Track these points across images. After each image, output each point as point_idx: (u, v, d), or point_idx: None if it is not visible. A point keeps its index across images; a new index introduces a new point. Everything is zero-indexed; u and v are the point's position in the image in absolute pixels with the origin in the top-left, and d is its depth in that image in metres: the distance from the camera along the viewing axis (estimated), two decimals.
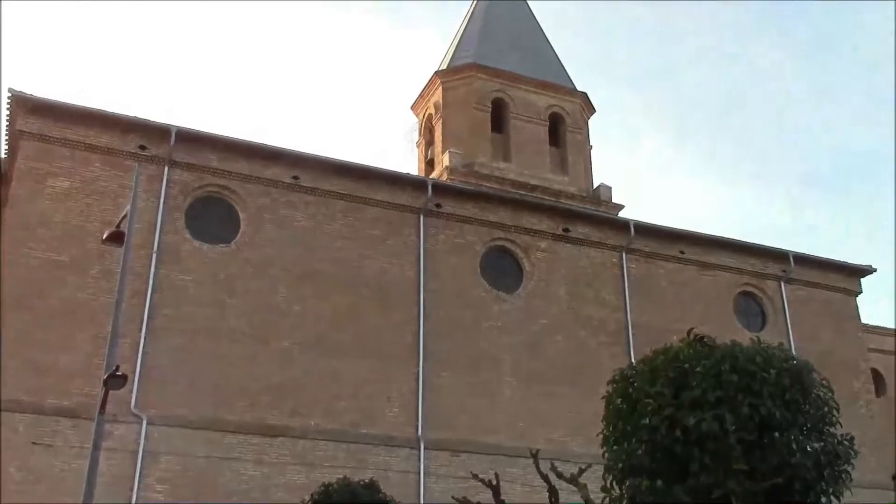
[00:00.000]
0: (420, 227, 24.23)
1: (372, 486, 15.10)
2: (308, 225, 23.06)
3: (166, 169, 21.89)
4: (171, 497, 19.27)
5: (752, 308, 28.49)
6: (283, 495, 19.66)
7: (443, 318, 23.57)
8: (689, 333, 8.72)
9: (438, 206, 24.65)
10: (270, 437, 20.60)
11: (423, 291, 23.51)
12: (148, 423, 19.56)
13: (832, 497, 8.43)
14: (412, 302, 23.35)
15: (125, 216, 16.08)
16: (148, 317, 20.45)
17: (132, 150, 21.66)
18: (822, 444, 8.29)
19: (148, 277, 20.75)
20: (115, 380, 14.02)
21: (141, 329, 20.23)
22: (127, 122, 21.90)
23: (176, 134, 21.93)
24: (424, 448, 21.90)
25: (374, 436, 21.60)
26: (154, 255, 21.00)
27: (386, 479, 19.38)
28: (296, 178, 23.18)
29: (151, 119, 22.19)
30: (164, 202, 21.61)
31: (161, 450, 19.55)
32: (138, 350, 20.02)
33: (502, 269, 25.39)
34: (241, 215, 22.62)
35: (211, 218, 22.33)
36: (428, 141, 33.62)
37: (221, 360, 20.83)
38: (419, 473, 21.53)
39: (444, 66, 33.74)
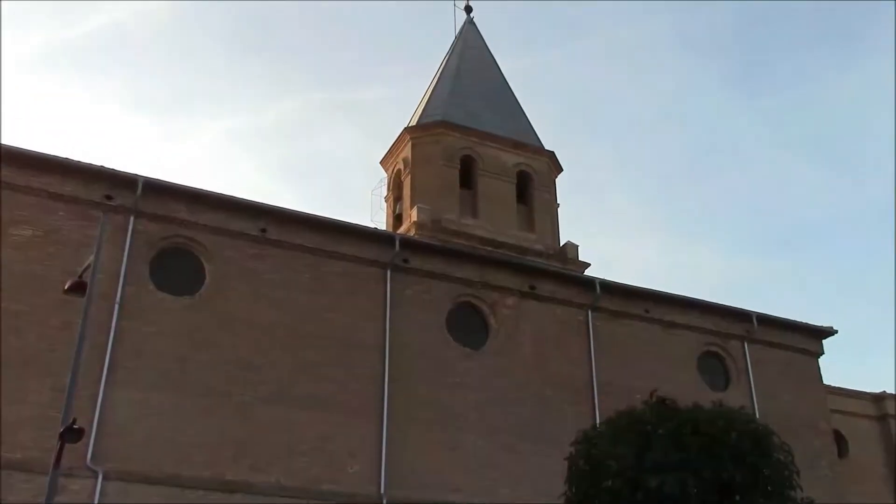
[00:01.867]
0: (387, 281, 24.18)
1: None
2: (274, 278, 22.93)
3: (132, 219, 21.71)
4: None
5: (715, 367, 28.64)
6: None
7: (408, 374, 23.42)
8: (651, 395, 8.75)
9: (406, 261, 24.66)
10: (229, 493, 20.17)
11: (389, 346, 23.38)
12: (104, 478, 19.08)
13: None
14: (377, 357, 23.20)
15: (88, 266, 15.93)
16: (108, 369, 20.08)
17: (97, 200, 21.47)
18: None
19: (109, 328, 20.43)
20: (72, 433, 13.75)
21: (100, 381, 19.85)
22: (92, 171, 21.76)
23: (143, 184, 21.81)
24: None
25: (335, 493, 21.24)
26: (116, 306, 20.71)
27: None
28: (263, 230, 23.11)
29: (118, 168, 22.09)
30: (129, 253, 21.39)
31: None
32: (96, 403, 19.61)
33: (469, 325, 25.36)
34: (207, 267, 22.45)
35: (176, 269, 22.13)
36: (396, 196, 33.79)
37: (181, 414, 20.48)
38: None
39: (413, 123, 34.07)
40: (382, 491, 21.71)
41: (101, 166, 21.92)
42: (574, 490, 8.68)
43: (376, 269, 24.26)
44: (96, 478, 19.01)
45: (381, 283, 24.12)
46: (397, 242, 24.78)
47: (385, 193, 34.54)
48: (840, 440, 32.38)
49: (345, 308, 23.44)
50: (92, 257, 15.98)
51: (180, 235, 22.41)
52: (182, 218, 22.38)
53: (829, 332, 30.41)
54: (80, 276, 15.87)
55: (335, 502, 21.07)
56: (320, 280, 23.48)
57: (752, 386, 28.14)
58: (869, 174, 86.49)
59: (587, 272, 30.65)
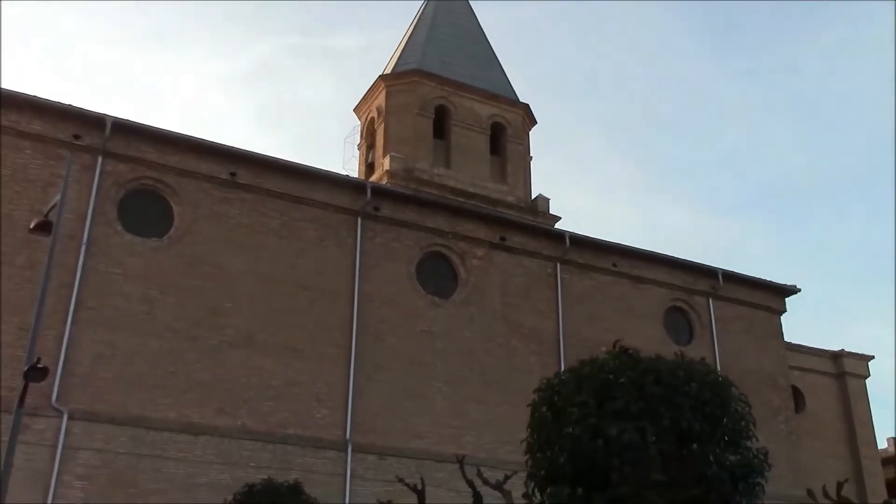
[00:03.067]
0: (357, 229, 24.15)
1: (296, 487, 15.01)
2: (243, 222, 22.81)
3: (100, 159, 21.44)
4: (89, 494, 18.84)
5: (680, 322, 29.05)
6: (205, 495, 19.38)
7: (376, 322, 23.54)
8: (614, 345, 8.87)
9: (377, 209, 24.61)
10: (195, 435, 20.29)
11: (358, 294, 23.44)
12: (69, 418, 19.10)
13: None
14: (346, 304, 23.26)
15: (54, 205, 15.73)
16: (74, 309, 19.98)
17: (65, 139, 21.17)
18: (739, 457, 8.48)
19: (76, 269, 20.28)
20: (36, 372, 13.69)
21: (66, 322, 19.77)
22: (61, 110, 21.39)
23: (111, 124, 21.49)
24: (352, 451, 21.81)
25: (301, 437, 21.45)
26: (83, 247, 20.54)
27: (311, 481, 19.30)
28: (233, 174, 22.92)
29: (86, 108, 21.74)
30: (97, 193, 21.15)
31: (81, 445, 19.12)
32: (62, 343, 19.55)
33: (438, 274, 25.46)
34: (175, 210, 22.27)
35: (144, 211, 21.94)
36: (369, 144, 33.58)
37: (147, 356, 20.47)
38: (345, 476, 21.42)
39: (388, 71, 33.72)
40: (348, 436, 21.93)
41: (69, 105, 21.55)
42: (535, 436, 8.80)
43: (347, 216, 24.20)
44: (61, 417, 19.03)
45: (352, 231, 24.10)
46: (369, 190, 24.70)
47: (358, 141, 34.30)
48: (798, 396, 33.04)
49: (314, 255, 23.42)
50: (58, 197, 15.77)
51: (149, 177, 22.17)
52: (151, 159, 22.12)
53: (792, 290, 30.89)
54: (46, 216, 15.67)
55: (301, 446, 21.27)
56: (290, 226, 23.39)
57: (716, 341, 28.61)
58: (843, 138, 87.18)
59: (557, 225, 30.78)
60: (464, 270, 25.68)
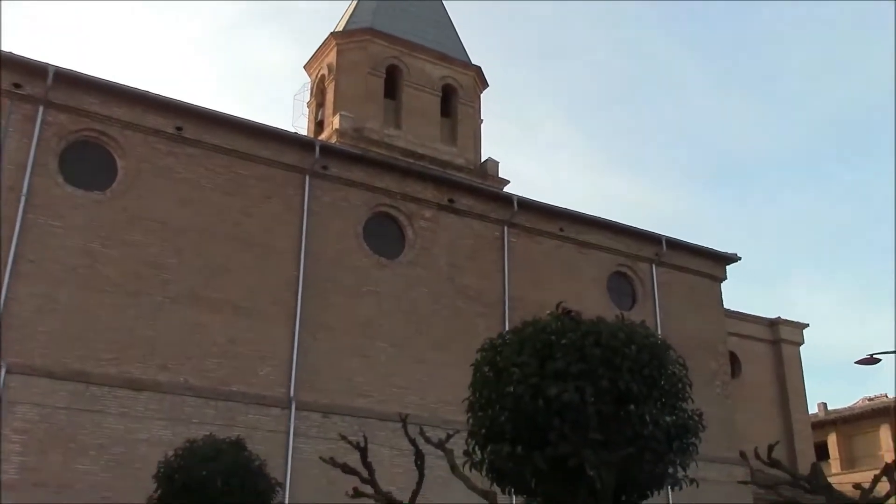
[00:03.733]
0: (305, 187, 23.99)
1: (238, 443, 14.98)
2: (189, 178, 22.50)
3: (41, 109, 20.91)
4: (28, 448, 18.65)
5: (624, 287, 29.51)
6: (146, 450, 19.29)
7: (322, 281, 23.50)
8: (557, 307, 8.98)
9: (325, 168, 24.45)
10: (136, 391, 20.15)
11: (304, 252, 23.35)
12: (7, 372, 18.82)
13: (679, 468, 8.86)
14: (292, 262, 23.17)
15: None
16: (12, 262, 19.59)
17: (6, 88, 20.57)
18: (674, 418, 8.66)
19: (15, 221, 19.84)
20: None
21: (4, 274, 19.38)
22: (1, 57, 20.77)
23: (53, 74, 20.94)
24: (295, 408, 21.87)
25: (244, 394, 21.43)
26: (22, 199, 20.09)
27: (254, 438, 19.27)
28: (179, 129, 22.55)
29: (28, 56, 21.13)
30: (37, 144, 20.65)
31: (20, 399, 18.86)
32: (0, 296, 19.19)
33: (385, 235, 25.45)
34: (119, 163, 21.87)
35: (86, 164, 21.50)
36: (319, 102, 33.26)
37: (89, 311, 20.20)
38: (288, 433, 21.50)
39: (340, 28, 33.33)
40: (292, 394, 21.97)
41: (10, 53, 20.93)
42: (477, 395, 8.90)
43: (295, 174, 24.01)
44: None
45: (299, 189, 23.92)
46: (317, 149, 24.51)
47: (308, 99, 33.93)
48: (734, 361, 33.91)
49: (261, 212, 23.23)
50: None
51: (92, 129, 21.71)
52: (94, 111, 21.65)
53: (733, 258, 31.54)
54: None
55: (244, 403, 21.25)
56: (237, 182, 23.14)
57: (657, 306, 29.16)
58: (793, 115, 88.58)
59: (506, 189, 30.93)
60: (411, 231, 25.71)
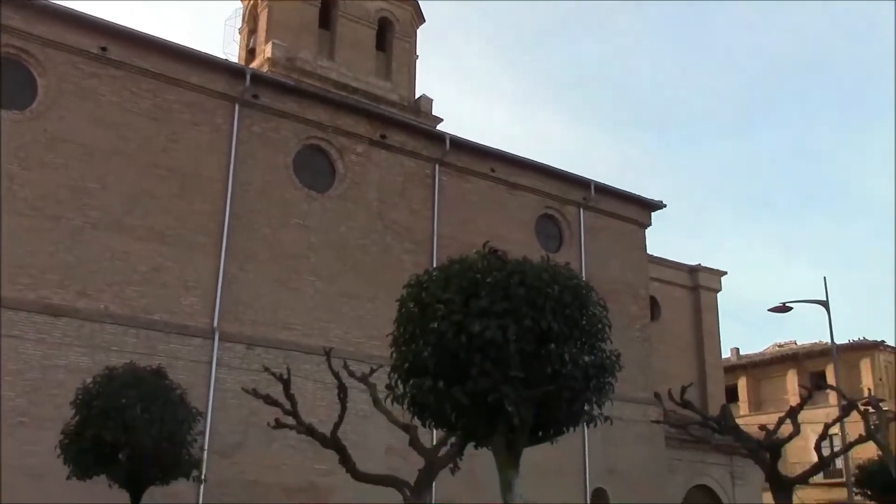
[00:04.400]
0: (234, 116, 23.46)
1: (159, 372, 14.88)
2: (113, 100, 21.79)
3: None
4: None
5: (551, 230, 29.86)
6: (63, 377, 18.99)
7: (249, 212, 23.19)
8: (484, 246, 9.07)
9: (256, 97, 23.93)
10: (55, 317, 19.73)
11: (232, 182, 22.96)
12: None
13: (595, 406, 9.14)
14: (219, 192, 22.77)
15: None
16: None
17: None
18: (593, 357, 8.90)
19: None
20: None
21: None
22: None
23: None
24: (219, 339, 21.73)
25: (167, 323, 21.18)
26: None
27: (176, 367, 19.21)
28: (104, 49, 21.74)
29: None
30: None
31: None
32: None
33: (315, 168, 25.16)
34: (40, 82, 21.04)
35: (5, 81, 20.63)
36: (251, 29, 32.40)
37: (5, 234, 19.58)
38: (211, 364, 21.39)
39: None
40: (215, 324, 21.80)
41: None
42: (402, 330, 8.99)
43: (224, 102, 23.46)
44: None
45: (229, 118, 23.41)
46: (248, 77, 23.94)
47: (240, 25, 33.02)
48: (654, 305, 34.78)
49: (188, 139, 22.70)
50: None
51: (12, 46, 20.78)
52: (14, 27, 20.70)
53: (658, 205, 32.12)
54: None
55: (166, 332, 21.03)
56: (164, 108, 22.52)
57: (583, 249, 29.60)
58: (727, 68, 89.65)
59: (438, 128, 30.77)
60: (342, 165, 25.47)
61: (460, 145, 27.57)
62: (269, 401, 15.67)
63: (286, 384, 15.54)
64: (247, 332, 22.31)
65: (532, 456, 26.49)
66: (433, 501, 23.26)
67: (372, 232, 25.38)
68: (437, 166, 27.03)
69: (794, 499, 21.42)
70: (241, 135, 23.45)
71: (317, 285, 23.86)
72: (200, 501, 20.38)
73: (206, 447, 19.78)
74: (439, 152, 27.06)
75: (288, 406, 15.65)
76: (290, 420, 15.77)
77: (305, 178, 24.64)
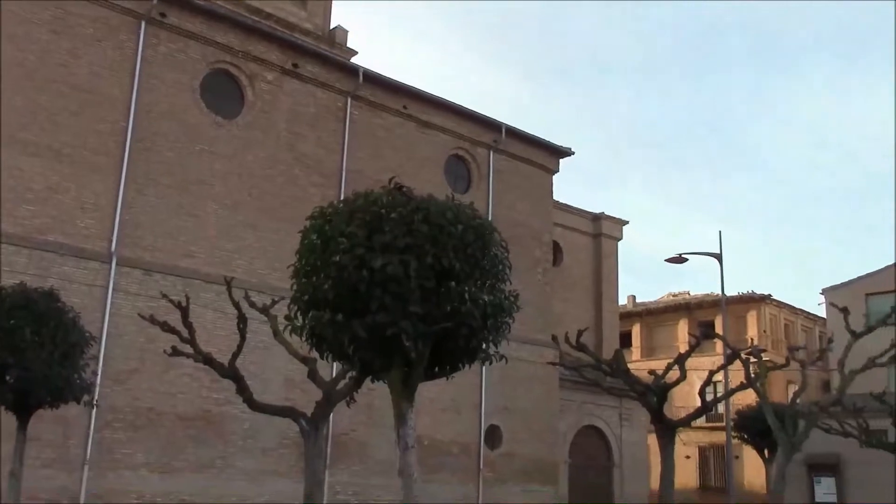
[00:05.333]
0: (140, 34, 22.61)
1: (51, 294, 14.41)
2: (10, 9, 20.67)
3: None
4: None
5: (460, 171, 29.98)
6: None
7: (153, 134, 22.53)
8: (390, 181, 9.04)
9: (163, 15, 23.06)
10: None
11: (135, 103, 22.21)
12: None
13: (492, 344, 9.30)
14: (121, 112, 22.01)
15: None
16: None
17: None
18: (492, 297, 9.00)
19: None
20: None
21: None
22: None
23: None
24: (116, 263, 21.22)
25: (61, 245, 20.55)
26: None
27: (69, 290, 18.64)
28: None
29: None
30: None
31: None
32: None
33: (224, 93, 24.54)
34: None
35: None
36: None
37: None
38: (107, 288, 20.91)
39: None
40: (113, 248, 21.27)
41: None
42: (303, 262, 8.94)
43: (130, 19, 22.57)
44: None
45: (133, 35, 22.55)
46: None
47: None
48: (557, 250, 35.44)
49: (90, 55, 21.80)
50: None
51: None
52: None
53: (567, 152, 32.54)
54: None
55: (60, 254, 20.42)
56: (65, 21, 21.52)
57: (491, 192, 29.87)
58: (649, 20, 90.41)
59: (352, 60, 30.30)
60: (251, 93, 24.91)
61: (374, 79, 27.26)
62: (167, 328, 15.41)
63: (184, 312, 15.28)
64: (145, 257, 21.84)
65: (429, 392, 27.17)
66: (330, 433, 23.51)
67: (279, 162, 25.01)
68: (349, 99, 26.71)
69: (678, 440, 22.43)
70: (146, 54, 22.65)
71: (220, 213, 23.47)
72: (92, 427, 20.11)
73: (99, 372, 19.42)
74: (352, 85, 26.71)
75: (185, 334, 15.43)
76: (187, 348, 15.56)
77: (213, 103, 24.03)
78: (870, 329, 19.50)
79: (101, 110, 21.69)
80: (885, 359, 20.02)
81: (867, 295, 36.36)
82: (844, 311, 20.17)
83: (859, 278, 38.01)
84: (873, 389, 29.13)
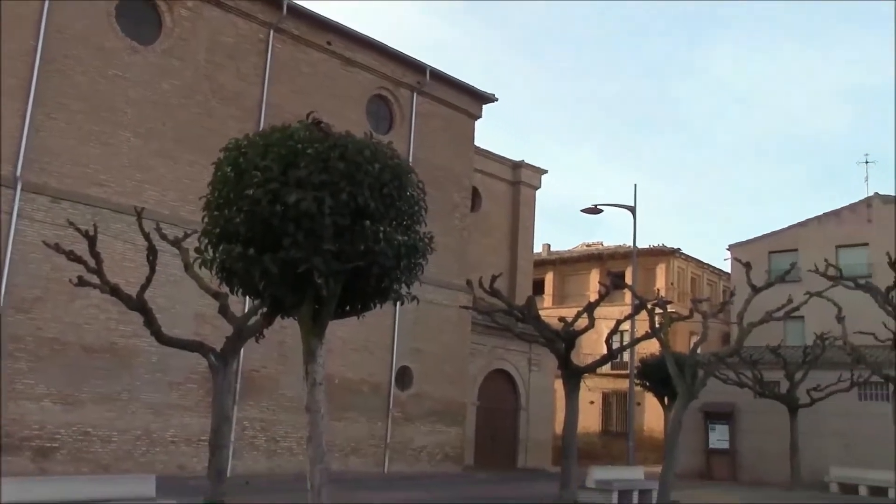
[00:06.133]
0: None
1: None
2: None
3: None
4: None
5: (383, 112, 29.74)
6: None
7: (64, 57, 21.64)
8: (308, 116, 8.91)
9: None
10: None
11: (45, 23, 21.24)
12: None
13: (404, 285, 9.36)
14: (30, 32, 21.03)
15: None
16: None
17: None
18: (406, 238, 9.03)
19: None
20: None
21: None
22: None
23: None
24: (21, 189, 20.47)
25: None
26: None
27: None
28: None
29: None
30: None
31: None
32: None
33: (140, 18, 23.66)
34: None
35: None
36: None
37: None
38: (11, 214, 20.20)
39: None
40: (18, 173, 20.50)
41: None
42: (216, 194, 8.80)
43: None
44: None
45: None
46: None
47: None
48: (476, 196, 35.62)
49: None
50: None
51: None
52: None
53: (491, 98, 32.55)
54: None
55: None
56: None
57: (412, 134, 29.74)
58: None
59: None
60: (170, 19, 24.10)
61: (298, 12, 26.65)
62: (73, 257, 15.04)
63: (92, 241, 14.92)
64: (53, 184, 21.14)
65: (342, 332, 27.21)
66: (240, 369, 23.43)
67: (197, 93, 24.37)
68: (271, 32, 26.09)
69: (583, 386, 23.07)
70: None
71: (133, 142, 22.81)
72: None
73: (1, 300, 18.88)
74: (275, 17, 26.07)
75: (93, 263, 15.08)
76: (94, 279, 15.23)
77: (128, 27, 23.17)
78: (769, 284, 20.27)
79: (8, 30, 20.69)
80: (780, 313, 20.88)
81: (770, 252, 37.65)
82: (747, 266, 20.89)
83: (764, 236, 39.29)
84: (770, 343, 30.48)
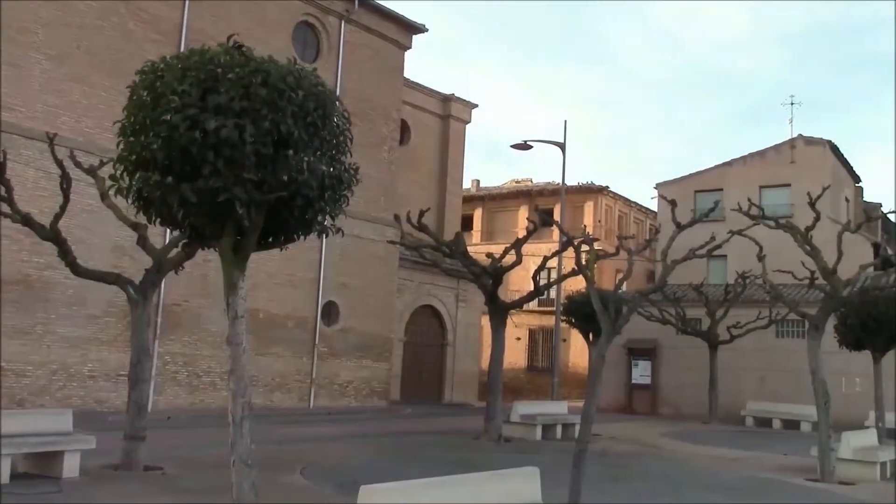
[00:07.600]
0: None
1: None
2: None
3: None
4: None
5: (309, 39, 28.93)
6: None
7: None
8: (228, 39, 8.48)
9: None
10: None
11: None
12: None
13: (329, 217, 9.09)
14: None
15: None
16: None
17: None
18: (331, 169, 8.74)
19: None
20: None
21: None
22: None
23: None
24: None
25: None
26: None
27: None
28: None
29: None
30: None
31: None
32: None
33: None
34: None
35: None
36: None
37: None
38: None
39: None
40: None
41: None
42: (131, 120, 8.35)
43: None
44: None
45: None
46: None
47: None
48: (405, 130, 35.18)
49: None
50: None
51: None
52: None
53: (421, 29, 31.94)
54: None
55: None
56: None
57: (340, 63, 29.04)
58: None
59: None
60: None
61: None
62: None
63: (1, 168, 14.19)
64: None
65: (267, 266, 26.79)
66: (161, 303, 22.91)
67: (113, 14, 23.27)
68: None
69: (510, 322, 23.22)
70: None
71: (44, 65, 21.74)
72: None
73: None
74: None
75: (3, 192, 14.37)
76: (4, 207, 14.54)
77: None
78: (693, 222, 20.46)
79: None
80: (703, 251, 21.18)
81: (696, 192, 38.21)
82: (672, 203, 21.01)
83: (690, 175, 39.83)
84: (693, 281, 31.11)
